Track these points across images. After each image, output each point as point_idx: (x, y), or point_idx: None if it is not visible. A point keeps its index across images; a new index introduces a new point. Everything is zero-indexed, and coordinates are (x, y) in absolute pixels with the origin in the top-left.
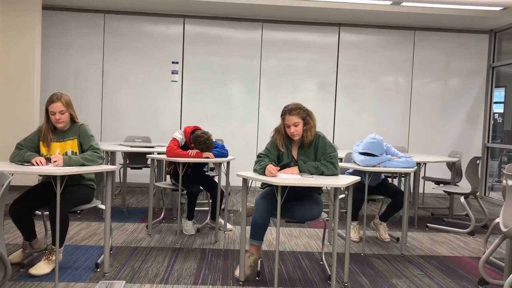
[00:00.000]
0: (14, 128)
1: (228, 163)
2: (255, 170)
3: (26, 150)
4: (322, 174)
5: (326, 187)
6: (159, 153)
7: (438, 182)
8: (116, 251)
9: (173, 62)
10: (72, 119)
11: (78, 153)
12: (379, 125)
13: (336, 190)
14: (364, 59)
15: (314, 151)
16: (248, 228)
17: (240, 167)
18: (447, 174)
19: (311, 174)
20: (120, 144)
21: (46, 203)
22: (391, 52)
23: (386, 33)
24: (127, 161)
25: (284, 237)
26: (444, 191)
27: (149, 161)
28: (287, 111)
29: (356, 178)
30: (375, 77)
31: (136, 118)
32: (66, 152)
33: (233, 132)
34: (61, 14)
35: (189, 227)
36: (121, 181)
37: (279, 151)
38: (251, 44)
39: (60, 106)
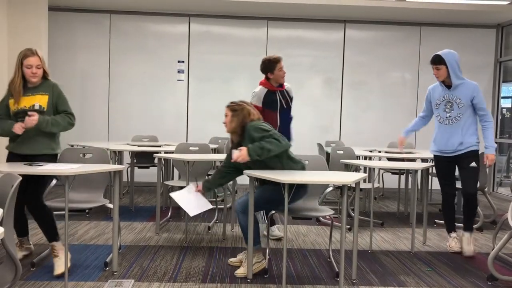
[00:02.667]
0: None
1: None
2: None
3: (2, 117)
4: (270, 151)
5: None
6: (166, 152)
7: None
8: (125, 250)
9: (179, 61)
10: (44, 76)
11: (45, 109)
12: (386, 121)
13: (344, 187)
14: (370, 55)
15: (247, 142)
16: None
17: None
18: None
19: (258, 155)
20: (127, 144)
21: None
22: (397, 48)
23: (391, 29)
24: (135, 161)
25: (292, 235)
26: None
27: (156, 160)
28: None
29: (364, 175)
30: (381, 73)
31: (143, 118)
32: (33, 105)
33: None
34: (67, 15)
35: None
36: (129, 180)
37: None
38: (256, 42)
39: (37, 60)
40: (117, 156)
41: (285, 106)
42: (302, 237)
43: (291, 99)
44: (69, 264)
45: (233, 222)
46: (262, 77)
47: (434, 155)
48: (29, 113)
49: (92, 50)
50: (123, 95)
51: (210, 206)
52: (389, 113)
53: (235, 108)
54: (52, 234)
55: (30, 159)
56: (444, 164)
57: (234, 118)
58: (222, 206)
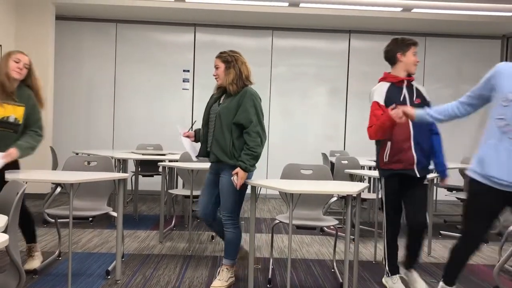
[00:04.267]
0: None
1: None
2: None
3: None
4: (252, 152)
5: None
6: (170, 161)
7: (450, 189)
8: (128, 258)
9: (184, 71)
10: (24, 82)
11: (20, 122)
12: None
13: (348, 197)
14: (375, 65)
15: (237, 105)
16: (259, 236)
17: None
18: (460, 181)
19: (252, 165)
20: (132, 152)
21: None
22: None
23: None
24: (139, 169)
25: (296, 245)
26: (457, 198)
27: (160, 169)
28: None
29: (366, 185)
30: None
31: (148, 126)
32: (8, 117)
33: None
34: (74, 24)
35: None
36: (133, 188)
37: (208, 103)
38: (261, 52)
39: (28, 60)
40: (122, 164)
41: (415, 105)
42: (306, 247)
43: (426, 101)
44: (39, 264)
45: None
46: (267, 86)
47: (479, 183)
48: (7, 153)
49: (98, 59)
50: (128, 104)
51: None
52: None
53: (227, 59)
54: (32, 236)
55: None
56: (495, 201)
57: (231, 69)
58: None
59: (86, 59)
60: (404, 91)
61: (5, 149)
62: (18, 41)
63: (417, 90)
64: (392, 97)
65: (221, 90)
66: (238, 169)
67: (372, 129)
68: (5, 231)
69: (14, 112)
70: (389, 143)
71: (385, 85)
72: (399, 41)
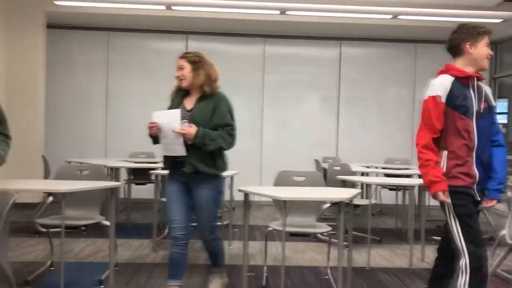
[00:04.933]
0: (19, 146)
1: (231, 177)
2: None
3: None
4: (216, 148)
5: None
6: (162, 169)
7: None
8: (121, 267)
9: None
10: None
11: None
12: (382, 136)
13: (341, 203)
14: (366, 72)
15: (212, 109)
16: (253, 243)
17: (243, 182)
18: None
19: (204, 144)
20: (124, 160)
21: None
22: (393, 64)
23: (387, 46)
24: (132, 177)
25: (290, 252)
26: None
27: (153, 177)
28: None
29: (359, 191)
30: (377, 90)
31: (140, 134)
32: None
33: (236, 146)
34: (65, 32)
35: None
36: (126, 197)
37: (169, 108)
38: (253, 59)
39: None
40: (114, 172)
41: (482, 111)
42: (300, 254)
43: (492, 108)
44: None
45: (230, 239)
46: (259, 94)
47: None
48: None
49: (90, 67)
50: (120, 112)
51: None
52: (385, 129)
53: (194, 60)
54: None
55: None
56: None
57: (200, 70)
58: (220, 223)
59: (78, 67)
60: (471, 91)
61: None
62: (9, 49)
63: (485, 92)
64: (458, 95)
65: (182, 94)
66: (194, 129)
67: (421, 139)
68: None
69: None
70: (445, 152)
71: (448, 79)
72: (469, 28)
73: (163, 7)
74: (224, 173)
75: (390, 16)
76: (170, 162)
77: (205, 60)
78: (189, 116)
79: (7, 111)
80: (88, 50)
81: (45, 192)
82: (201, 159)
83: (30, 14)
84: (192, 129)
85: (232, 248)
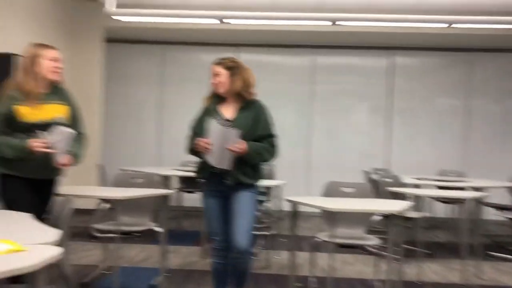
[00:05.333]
0: None
1: (279, 187)
2: (186, 150)
3: (3, 134)
4: (261, 161)
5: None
6: (197, 178)
7: (500, 208)
8: (172, 273)
9: None
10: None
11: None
12: (435, 148)
13: (392, 216)
14: (419, 82)
15: (254, 119)
16: (300, 254)
17: (291, 192)
18: (509, 200)
19: (252, 159)
20: (176, 169)
21: None
22: (447, 74)
23: (441, 55)
24: (183, 185)
25: (338, 264)
26: (508, 217)
27: None
28: (213, 61)
29: (410, 203)
30: (430, 100)
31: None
32: (56, 119)
33: (284, 157)
34: (123, 46)
35: None
36: (177, 204)
37: (204, 115)
38: (303, 70)
39: (60, 56)
40: (166, 181)
41: None
42: (348, 266)
43: None
44: None
45: (277, 249)
46: (308, 104)
47: None
48: (63, 161)
49: (145, 79)
50: (173, 123)
51: None
52: (439, 141)
53: (230, 65)
54: None
55: (38, 184)
56: None
57: (237, 76)
58: (267, 233)
59: (134, 80)
60: None
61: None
62: (69, 63)
63: None
64: None
65: (216, 100)
66: (245, 145)
67: None
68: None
69: (60, 111)
70: None
71: None
72: None
73: (217, 21)
74: (273, 183)
75: (446, 25)
76: (208, 172)
77: (242, 66)
78: (231, 127)
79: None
80: (144, 63)
81: (101, 199)
82: (243, 170)
83: (90, 29)
84: (244, 146)
85: (279, 258)
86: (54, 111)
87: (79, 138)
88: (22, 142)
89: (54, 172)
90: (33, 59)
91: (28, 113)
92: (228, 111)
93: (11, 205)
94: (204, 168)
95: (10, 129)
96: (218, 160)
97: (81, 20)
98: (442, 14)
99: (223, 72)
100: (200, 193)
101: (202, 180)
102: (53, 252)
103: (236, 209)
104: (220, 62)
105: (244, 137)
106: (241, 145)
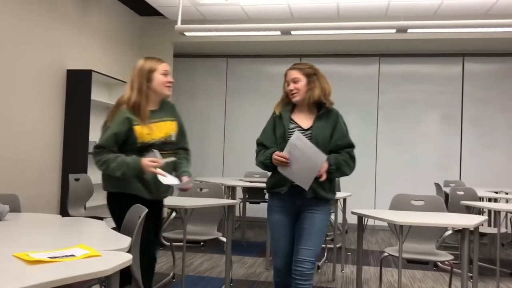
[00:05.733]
0: None
1: (344, 199)
2: (260, 163)
3: (112, 151)
4: (344, 175)
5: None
6: (268, 189)
7: None
8: (236, 283)
9: None
10: None
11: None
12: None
13: (465, 230)
14: (492, 89)
15: (332, 127)
16: (367, 268)
17: (356, 204)
18: None
19: (330, 174)
20: (240, 180)
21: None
22: None
23: None
24: (247, 196)
25: (407, 280)
26: None
27: (267, 196)
28: (292, 66)
29: (485, 218)
30: (506, 108)
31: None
32: (170, 136)
33: None
34: (189, 61)
35: None
36: (241, 215)
37: (276, 125)
38: (367, 79)
39: (169, 68)
40: (231, 191)
41: None
42: (418, 282)
43: None
44: None
45: (343, 262)
46: (374, 113)
47: None
48: (187, 182)
49: (210, 92)
50: (237, 134)
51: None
52: None
53: (309, 72)
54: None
55: (150, 204)
56: None
57: (315, 84)
58: (332, 246)
59: (199, 92)
60: None
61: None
62: None
63: None
64: None
65: (288, 108)
66: (327, 166)
67: None
68: (129, 251)
69: (171, 129)
70: None
71: None
72: None
73: (278, 33)
74: (338, 195)
75: None
76: (288, 186)
77: (319, 72)
78: (308, 137)
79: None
80: (209, 76)
81: (169, 208)
82: (321, 184)
83: (160, 45)
84: (326, 167)
85: (345, 272)
86: (167, 128)
87: (187, 155)
88: (136, 161)
89: (166, 193)
90: (148, 75)
91: (143, 133)
92: (302, 120)
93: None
94: (283, 182)
95: (120, 149)
96: (298, 177)
97: (152, 37)
98: None
99: (301, 79)
100: (269, 208)
101: (276, 194)
102: (125, 258)
103: (306, 226)
104: (298, 68)
105: (322, 147)
106: (325, 168)
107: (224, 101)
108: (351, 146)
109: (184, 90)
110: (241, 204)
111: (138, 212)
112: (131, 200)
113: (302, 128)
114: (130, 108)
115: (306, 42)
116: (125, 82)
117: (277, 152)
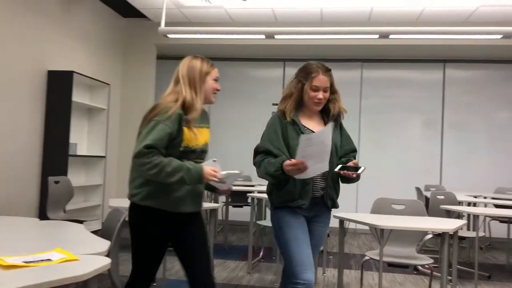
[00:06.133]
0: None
1: None
2: (266, 175)
3: (162, 154)
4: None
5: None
6: (259, 192)
7: None
8: (218, 287)
9: (273, 104)
10: None
11: None
12: (492, 164)
13: (445, 234)
14: (472, 95)
15: (339, 133)
16: (348, 272)
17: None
18: None
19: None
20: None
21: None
22: (504, 87)
23: (496, 67)
24: (229, 200)
25: (387, 283)
26: None
27: (249, 200)
28: (321, 68)
29: (464, 222)
30: (486, 114)
31: (239, 158)
32: (207, 144)
33: None
34: (172, 63)
35: None
36: (224, 218)
37: (285, 127)
38: (350, 83)
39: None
40: (213, 194)
41: None
42: (398, 286)
43: None
44: None
45: (324, 266)
46: (356, 118)
47: None
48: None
49: None
50: (220, 136)
51: None
52: (496, 156)
53: (333, 81)
54: None
55: (183, 217)
56: None
57: (338, 94)
58: None
59: None
60: None
61: (202, 188)
62: (124, 80)
63: None
64: None
65: (297, 114)
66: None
67: None
68: (108, 255)
69: (208, 137)
70: None
71: None
72: None
73: (262, 36)
74: None
75: (499, 36)
76: (310, 197)
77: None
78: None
79: (122, 134)
80: None
81: None
82: (337, 193)
83: (143, 47)
84: (356, 162)
85: (326, 276)
86: (206, 136)
87: None
88: (197, 167)
89: (199, 205)
90: (203, 76)
91: (190, 137)
92: (315, 126)
93: (148, 241)
94: (301, 194)
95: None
96: (315, 169)
97: (135, 39)
98: (495, 25)
99: (329, 88)
100: (283, 222)
101: (289, 207)
102: (103, 262)
103: (315, 245)
104: (330, 75)
105: (336, 153)
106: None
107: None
108: (355, 150)
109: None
110: (224, 207)
111: (117, 216)
112: (166, 217)
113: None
114: (181, 106)
115: (289, 46)
116: (107, 84)
117: (289, 162)
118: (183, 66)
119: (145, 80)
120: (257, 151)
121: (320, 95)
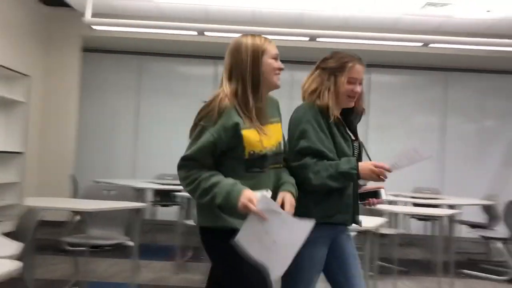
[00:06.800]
0: (49, 165)
1: None
2: (330, 177)
3: (205, 166)
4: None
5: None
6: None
7: (473, 226)
8: None
9: (203, 102)
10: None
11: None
12: (412, 166)
13: (367, 232)
14: (395, 99)
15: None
16: None
17: None
18: (483, 218)
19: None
20: (151, 182)
21: None
22: (424, 92)
23: (417, 73)
24: (157, 199)
25: None
26: (481, 235)
27: (178, 199)
28: (355, 57)
29: (385, 220)
30: (407, 118)
31: (168, 157)
32: (279, 144)
33: None
34: (99, 56)
35: None
36: (151, 218)
37: (333, 128)
38: (282, 86)
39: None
40: (140, 193)
41: None
42: None
43: None
44: None
45: None
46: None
47: None
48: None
49: (122, 90)
50: (150, 134)
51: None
52: None
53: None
54: None
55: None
56: None
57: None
58: None
59: (110, 90)
60: None
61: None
62: (46, 72)
63: None
64: None
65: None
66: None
67: None
68: (20, 259)
69: (281, 134)
70: None
71: None
72: None
73: (195, 33)
74: None
75: (420, 44)
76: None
77: None
78: (358, 149)
79: (43, 130)
80: (121, 73)
81: (71, 211)
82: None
83: (67, 38)
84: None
85: None
86: (277, 134)
87: (285, 169)
88: (239, 191)
89: None
90: (256, 58)
91: (254, 140)
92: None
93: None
94: (346, 207)
95: (218, 161)
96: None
97: (58, 29)
98: (418, 33)
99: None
100: (314, 241)
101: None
102: (11, 266)
103: (348, 255)
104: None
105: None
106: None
107: (137, 99)
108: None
109: (94, 86)
110: (152, 207)
111: (32, 217)
112: (230, 235)
113: (352, 139)
114: (232, 105)
115: (221, 44)
116: (27, 75)
117: (379, 163)
118: (231, 52)
119: (70, 72)
120: (305, 154)
121: (358, 87)
